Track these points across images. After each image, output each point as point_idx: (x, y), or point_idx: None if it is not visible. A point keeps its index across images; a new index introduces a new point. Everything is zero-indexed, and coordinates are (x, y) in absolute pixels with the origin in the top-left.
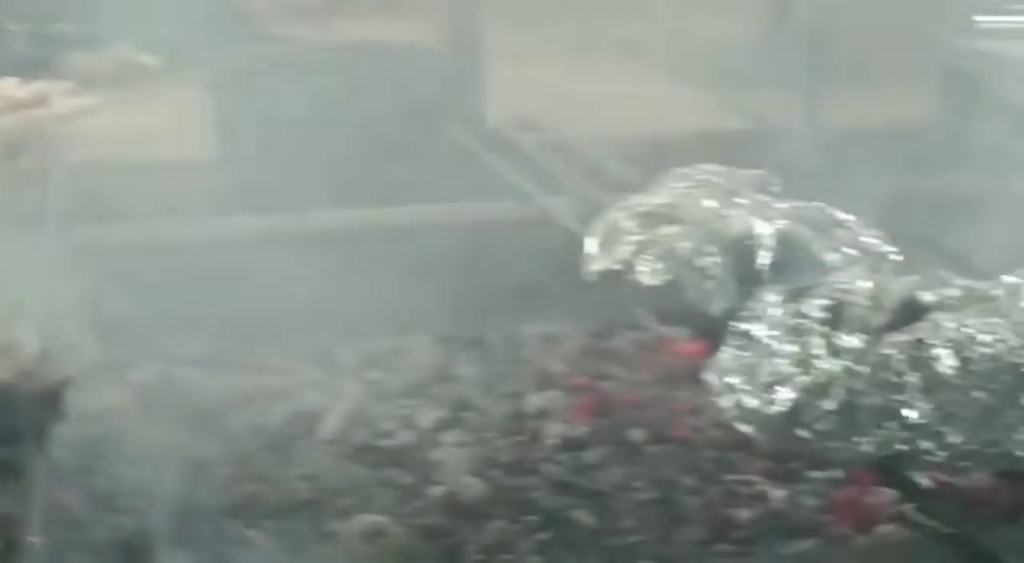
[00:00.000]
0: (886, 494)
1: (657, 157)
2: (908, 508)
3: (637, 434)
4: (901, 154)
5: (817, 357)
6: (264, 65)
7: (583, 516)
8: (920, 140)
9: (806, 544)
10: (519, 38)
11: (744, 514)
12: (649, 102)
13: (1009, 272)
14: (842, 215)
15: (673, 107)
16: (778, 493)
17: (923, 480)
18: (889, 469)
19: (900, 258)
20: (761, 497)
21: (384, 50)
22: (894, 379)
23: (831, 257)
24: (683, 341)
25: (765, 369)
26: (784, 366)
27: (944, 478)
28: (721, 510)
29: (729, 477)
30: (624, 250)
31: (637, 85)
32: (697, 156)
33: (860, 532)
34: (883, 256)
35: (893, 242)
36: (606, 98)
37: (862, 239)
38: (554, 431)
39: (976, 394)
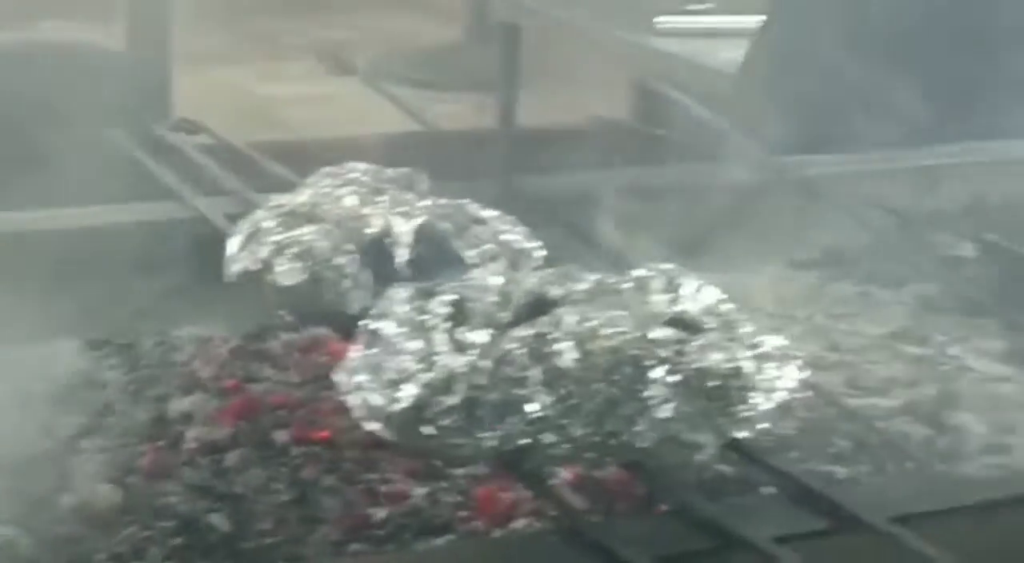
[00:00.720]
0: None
1: (330, 160)
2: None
3: (281, 436)
4: (577, 153)
5: (441, 353)
6: None
7: (219, 520)
8: (597, 138)
9: (441, 540)
10: (211, 40)
11: (382, 513)
12: (335, 104)
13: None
14: (486, 212)
15: (359, 109)
16: (419, 491)
17: (562, 474)
18: (516, 464)
19: (544, 254)
20: (401, 496)
21: (58, 51)
22: (516, 374)
23: (469, 254)
24: (335, 342)
25: (390, 366)
26: (409, 363)
27: (579, 472)
28: (359, 509)
29: (370, 476)
30: (264, 250)
31: (327, 87)
32: (369, 157)
33: (496, 527)
34: (525, 252)
35: (546, 239)
36: (291, 100)
37: (503, 236)
38: (196, 435)
39: (597, 386)
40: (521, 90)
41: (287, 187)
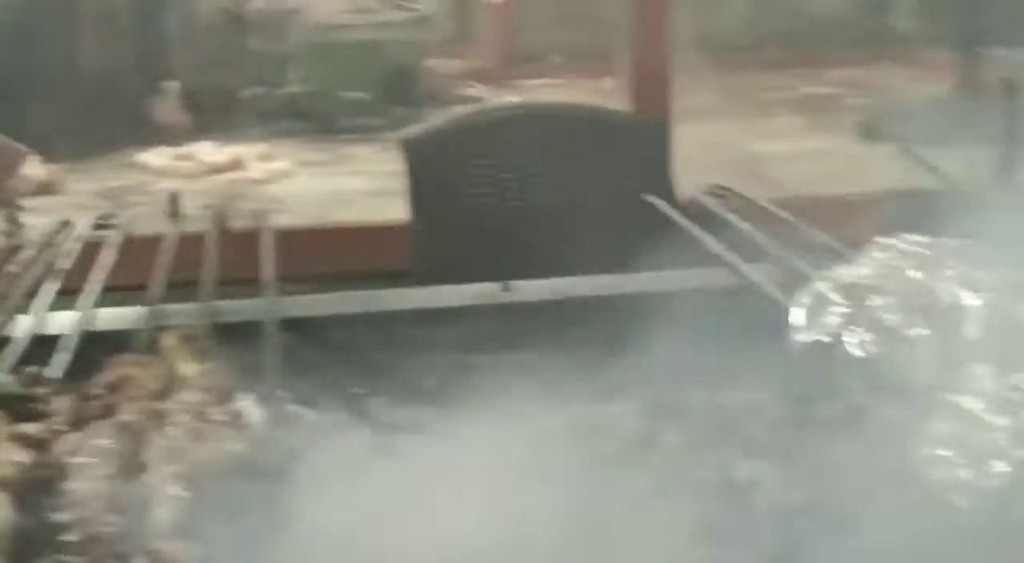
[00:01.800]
0: None
1: (851, 220)
2: None
3: None
4: None
5: None
6: (456, 127)
7: None
8: None
9: None
10: (690, 96)
11: None
12: (833, 160)
13: None
14: None
15: (859, 166)
16: None
17: None
18: None
19: None
20: None
21: (573, 114)
22: None
23: None
24: (887, 411)
25: (978, 442)
26: (999, 439)
27: None
28: None
29: None
30: (831, 321)
31: (818, 143)
32: (890, 219)
33: None
34: None
35: None
36: (781, 157)
37: None
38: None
39: None
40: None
41: (830, 253)
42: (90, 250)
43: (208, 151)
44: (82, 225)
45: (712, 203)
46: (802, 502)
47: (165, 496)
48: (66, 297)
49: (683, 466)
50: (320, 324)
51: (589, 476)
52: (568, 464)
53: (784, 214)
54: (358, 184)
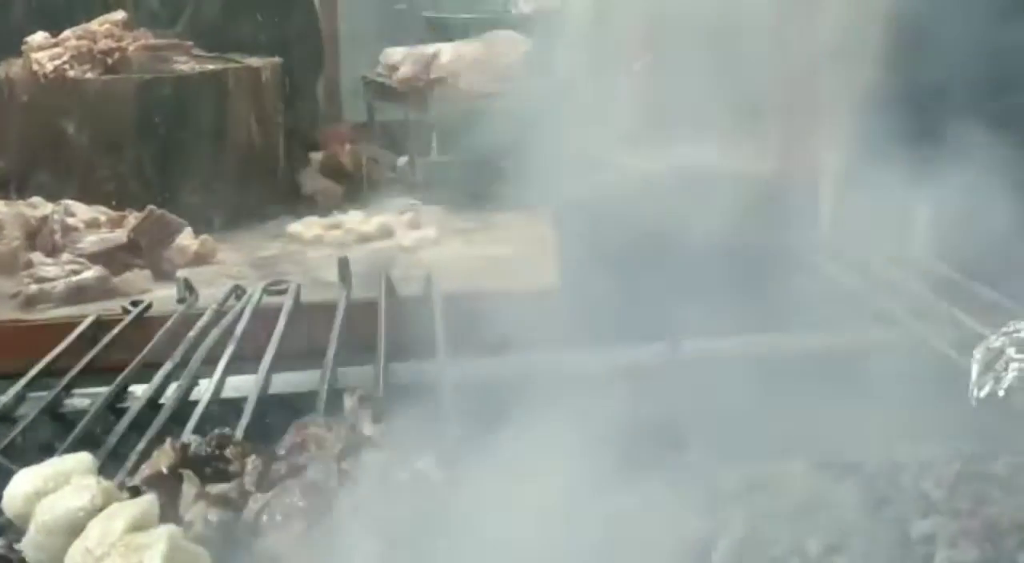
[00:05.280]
0: None
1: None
2: None
3: None
4: None
5: None
6: (604, 192)
7: None
8: None
9: None
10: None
11: None
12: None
13: None
14: None
15: None
16: None
17: None
18: None
19: None
20: None
21: (720, 174)
22: None
23: None
24: None
25: None
26: None
27: None
28: None
29: None
30: (1011, 377)
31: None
32: None
33: None
34: None
35: None
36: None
37: None
38: (945, 557)
39: None
40: None
41: (998, 310)
42: (262, 315)
43: (357, 220)
44: (254, 291)
45: (875, 262)
46: (977, 559)
47: (359, 553)
48: (243, 361)
49: (857, 523)
50: (491, 387)
51: (764, 534)
52: (744, 522)
53: (952, 273)
54: (504, 251)
